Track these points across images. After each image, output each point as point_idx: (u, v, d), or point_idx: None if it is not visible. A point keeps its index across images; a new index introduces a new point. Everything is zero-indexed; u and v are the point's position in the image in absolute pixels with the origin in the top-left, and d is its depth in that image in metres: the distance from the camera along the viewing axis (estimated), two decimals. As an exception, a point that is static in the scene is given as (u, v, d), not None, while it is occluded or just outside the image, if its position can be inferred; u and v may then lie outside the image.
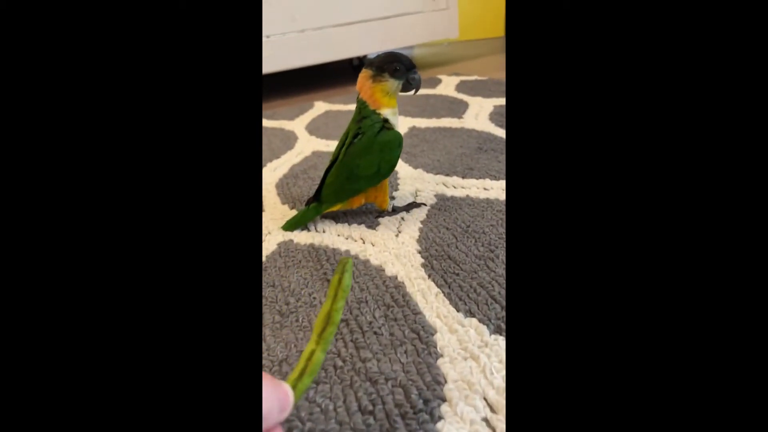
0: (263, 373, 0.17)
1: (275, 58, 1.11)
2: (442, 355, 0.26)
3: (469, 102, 0.85)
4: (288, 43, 1.12)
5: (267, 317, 0.32)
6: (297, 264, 0.38)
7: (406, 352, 0.27)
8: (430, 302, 0.31)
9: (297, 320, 0.31)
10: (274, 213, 0.49)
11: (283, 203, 0.51)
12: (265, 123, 0.91)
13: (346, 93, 1.14)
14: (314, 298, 0.33)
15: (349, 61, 1.44)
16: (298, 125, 0.86)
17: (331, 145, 0.70)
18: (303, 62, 1.15)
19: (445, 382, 0.24)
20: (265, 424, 0.16)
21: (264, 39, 1.09)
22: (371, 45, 1.23)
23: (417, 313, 0.30)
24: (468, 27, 1.54)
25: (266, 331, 0.30)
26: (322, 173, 0.45)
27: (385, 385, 0.24)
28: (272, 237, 0.43)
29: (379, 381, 0.25)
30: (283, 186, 0.56)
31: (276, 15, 1.08)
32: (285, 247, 0.41)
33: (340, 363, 0.27)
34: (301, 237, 0.43)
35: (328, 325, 0.20)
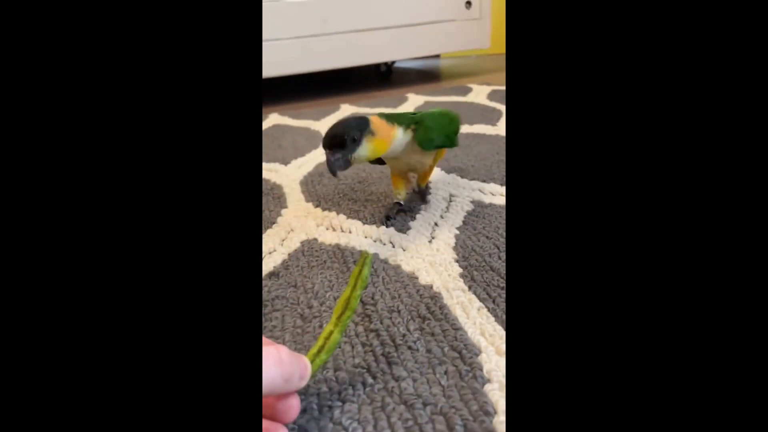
0: (284, 347, 0.20)
1: (303, 59, 1.11)
2: (489, 381, 0.22)
3: (502, 110, 0.82)
4: (317, 45, 1.11)
5: (288, 321, 0.29)
6: (321, 264, 0.35)
7: (446, 373, 0.23)
8: (472, 317, 0.27)
9: (320, 325, 0.28)
10: (298, 210, 0.46)
11: (307, 201, 0.48)
12: (291, 122, 0.89)
13: (372, 98, 1.13)
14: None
15: (376, 66, 1.43)
16: (323, 126, 0.84)
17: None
18: (332, 65, 1.15)
19: (495, 413, 0.20)
20: (286, 386, 0.19)
21: (292, 40, 1.09)
22: (400, 51, 1.21)
23: (457, 328, 0.26)
24: (500, 40, 1.51)
25: (287, 336, 0.27)
26: (343, 173, 0.45)
27: (422, 411, 0.21)
28: (295, 234, 0.41)
29: (416, 405, 0.21)
30: (307, 183, 0.54)
31: (307, 16, 1.08)
32: (309, 246, 0.38)
33: (369, 380, 0.23)
34: (326, 236, 0.40)
35: (346, 309, 0.22)
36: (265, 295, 0.32)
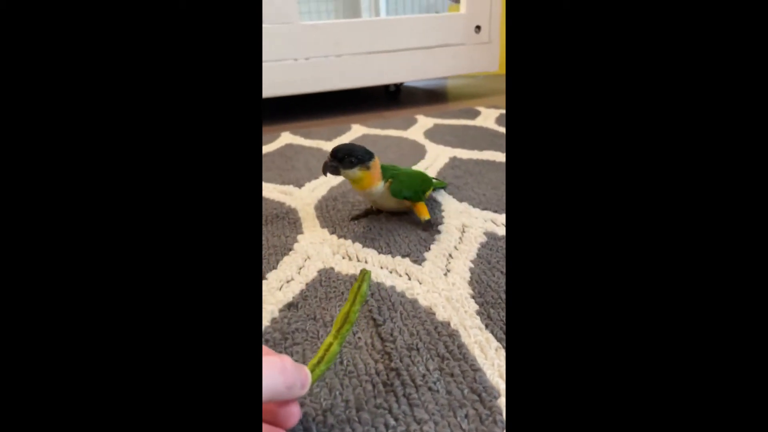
0: (288, 357, 0.21)
1: (317, 79, 1.14)
2: (510, 427, 0.23)
3: (511, 136, 0.83)
4: (328, 65, 1.14)
5: (309, 355, 0.29)
6: (339, 296, 0.36)
7: (467, 416, 0.24)
8: (490, 358, 0.28)
9: (341, 362, 0.28)
10: (313, 236, 0.47)
11: (323, 226, 0.49)
12: (303, 141, 0.91)
13: (382, 118, 1.15)
14: (359, 338, 0.30)
15: (386, 86, 1.46)
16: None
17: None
18: (344, 85, 1.17)
19: (517, 461, 0.21)
20: (288, 393, 0.20)
21: (307, 60, 1.12)
22: (412, 73, 1.24)
23: (476, 369, 0.27)
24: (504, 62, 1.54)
25: (308, 372, 0.28)
26: (359, 197, 0.52)
27: (445, 457, 0.21)
28: (312, 263, 0.41)
29: (439, 451, 0.22)
30: (321, 208, 0.55)
31: (321, 39, 1.11)
32: (326, 276, 0.39)
33: (392, 421, 0.24)
34: (342, 265, 0.40)
35: (345, 323, 0.24)
36: (284, 327, 0.32)
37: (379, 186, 0.47)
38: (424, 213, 0.47)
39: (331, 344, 0.24)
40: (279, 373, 0.20)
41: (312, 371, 0.22)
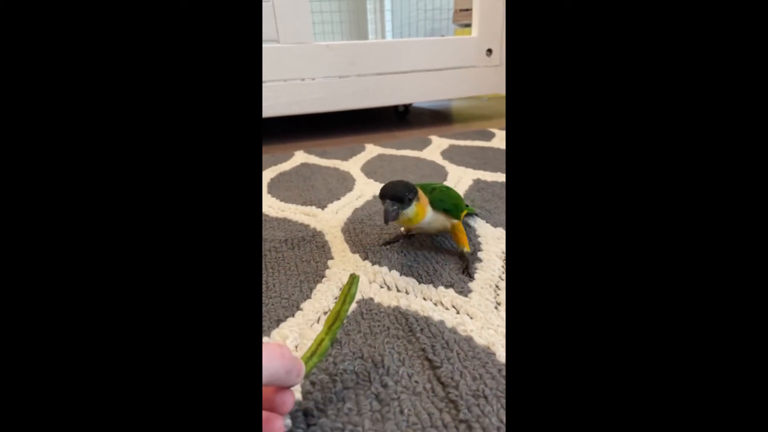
0: (285, 346, 0.22)
1: (332, 98, 1.13)
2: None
3: (532, 159, 0.82)
4: (342, 85, 1.14)
5: (363, 402, 0.26)
6: (385, 331, 0.33)
7: (560, 483, 0.21)
8: (570, 408, 0.25)
9: (401, 411, 0.25)
10: (345, 262, 0.44)
11: (353, 251, 0.47)
12: (319, 161, 0.89)
13: (393, 138, 1.14)
14: (416, 383, 0.27)
15: (395, 106, 1.47)
16: (352, 166, 0.84)
17: (392, 191, 0.67)
18: (359, 105, 1.17)
19: None
20: (286, 378, 0.22)
21: (323, 80, 1.11)
22: (421, 94, 1.24)
23: (557, 422, 0.24)
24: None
25: (366, 423, 0.25)
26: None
27: None
28: (348, 292, 0.39)
29: None
30: (349, 231, 0.52)
31: (335, 59, 1.11)
32: (367, 307, 0.36)
33: (474, 489, 0.20)
34: (382, 296, 0.38)
35: (336, 320, 0.26)
36: (330, 368, 0.29)
37: (429, 213, 0.43)
38: (463, 241, 0.44)
39: (322, 339, 0.26)
40: (278, 358, 0.21)
41: (306, 363, 0.24)
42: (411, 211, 0.40)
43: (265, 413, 0.22)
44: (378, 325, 0.34)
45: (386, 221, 0.38)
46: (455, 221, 0.45)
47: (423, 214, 0.42)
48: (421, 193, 0.42)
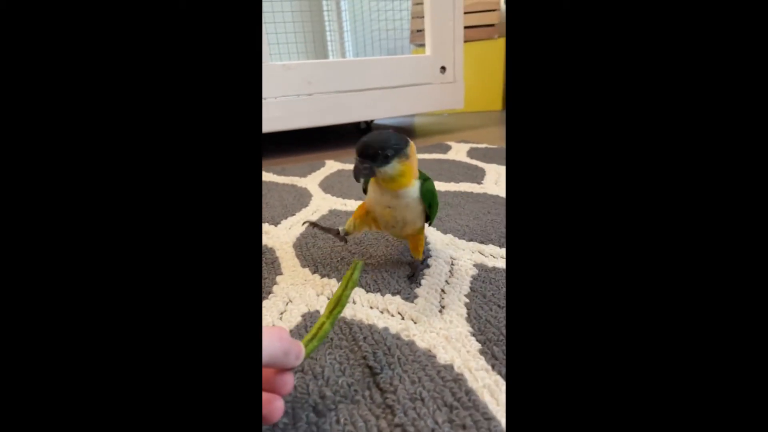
0: (284, 329, 0.23)
1: (290, 117, 1.13)
2: (538, 485, 0.20)
3: (485, 168, 0.85)
4: (301, 104, 1.15)
5: (300, 415, 0.25)
6: (329, 342, 0.32)
7: (488, 477, 0.21)
8: (502, 403, 0.25)
9: (338, 421, 0.25)
10: (294, 277, 0.44)
11: (303, 266, 0.46)
12: (276, 179, 0.88)
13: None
14: (356, 391, 0.27)
15: (357, 124, 1.49)
16: (310, 182, 0.84)
17: (348, 204, 0.68)
18: (317, 123, 1.18)
19: None
20: (285, 360, 0.22)
21: (280, 99, 1.12)
22: (381, 111, 1.27)
23: (489, 418, 0.24)
24: (470, 101, 1.63)
25: (299, 438, 0.24)
26: (341, 233, 0.45)
27: None
28: (295, 306, 0.38)
29: None
30: (301, 246, 0.52)
31: (294, 78, 1.12)
32: (311, 320, 0.36)
33: (404, 492, 0.20)
34: (328, 308, 0.37)
35: (337, 305, 0.27)
36: (268, 384, 0.28)
37: (416, 186, 0.36)
38: (419, 250, 0.42)
39: (323, 323, 0.26)
40: (278, 340, 0.22)
41: (306, 346, 0.25)
42: (392, 169, 0.34)
43: (265, 394, 0.22)
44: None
45: (356, 179, 0.34)
46: (424, 225, 0.41)
47: (409, 178, 0.35)
48: (412, 150, 0.35)
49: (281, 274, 0.45)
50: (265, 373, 0.23)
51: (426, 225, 0.42)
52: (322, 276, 0.43)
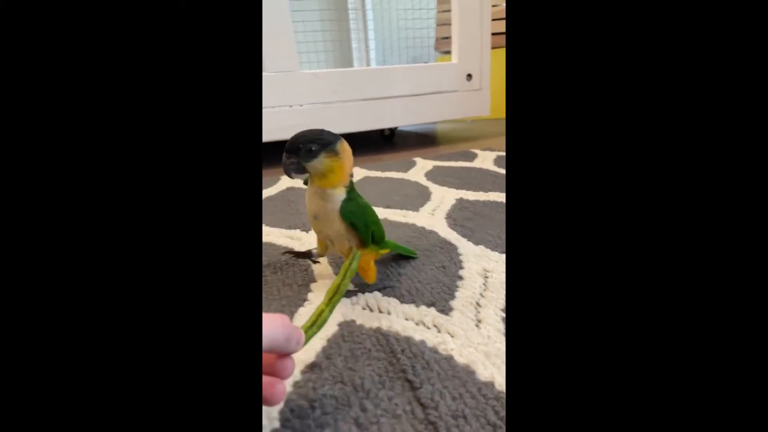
0: (286, 316, 0.24)
1: (314, 124, 1.15)
2: None
3: (513, 178, 0.84)
4: (327, 111, 1.16)
5: (342, 427, 0.26)
6: (366, 353, 0.33)
7: (539, 503, 0.20)
8: (549, 425, 0.25)
9: (380, 436, 0.25)
10: (329, 286, 0.44)
11: (337, 273, 0.47)
12: (302, 185, 0.90)
13: (379, 160, 1.16)
14: (396, 405, 0.27)
15: (381, 131, 1.50)
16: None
17: (378, 213, 0.68)
18: (340, 129, 1.19)
19: None
20: (286, 345, 0.23)
21: (304, 107, 1.14)
22: (407, 118, 1.27)
23: (536, 439, 0.24)
24: (497, 107, 1.62)
25: (344, 450, 0.24)
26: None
27: None
28: (331, 315, 0.38)
29: None
30: (334, 254, 0.52)
31: (321, 86, 1.14)
32: (348, 330, 0.36)
33: None
34: (364, 318, 0.38)
35: (336, 294, 0.28)
36: (310, 393, 0.29)
37: (340, 192, 0.37)
38: (370, 272, 0.39)
39: (323, 311, 0.27)
40: (280, 326, 0.23)
41: (305, 332, 0.26)
42: (320, 164, 0.34)
43: (266, 378, 0.23)
44: (359, 348, 0.33)
45: (288, 176, 0.35)
46: (359, 248, 0.38)
47: (339, 177, 0.36)
48: (344, 148, 0.35)
49: (315, 281, 0.45)
50: (268, 357, 0.24)
51: (378, 249, 0.42)
52: (355, 285, 0.44)
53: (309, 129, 0.35)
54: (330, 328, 0.36)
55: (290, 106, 1.12)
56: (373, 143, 1.45)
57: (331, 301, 0.28)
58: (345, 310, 0.39)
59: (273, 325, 0.22)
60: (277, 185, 0.91)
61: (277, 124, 1.11)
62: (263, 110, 1.09)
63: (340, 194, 0.38)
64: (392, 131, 1.51)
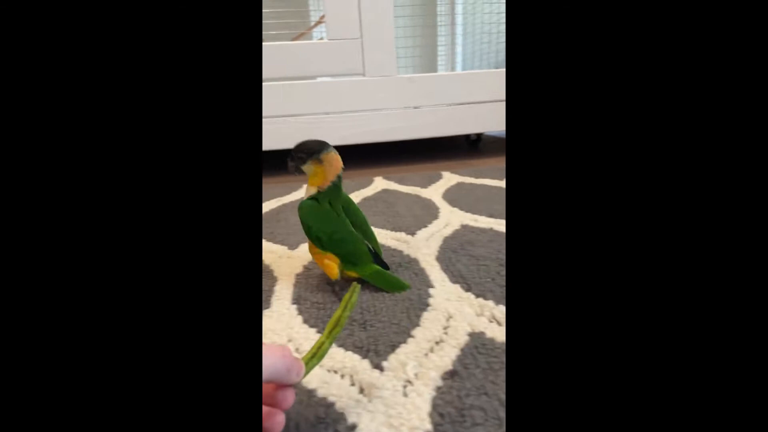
0: (287, 347, 0.25)
1: (407, 127, 1.17)
2: None
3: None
4: (420, 115, 1.17)
5: (499, 444, 0.25)
6: (504, 367, 0.32)
7: None
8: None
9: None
10: (447, 292, 0.44)
11: (453, 281, 0.46)
12: (398, 187, 0.92)
13: (467, 165, 1.14)
14: None
15: (467, 135, 1.47)
16: (434, 194, 0.85)
17: (479, 220, 0.67)
18: (433, 134, 1.20)
19: None
20: (287, 376, 0.23)
21: (395, 111, 1.16)
22: (493, 123, 1.24)
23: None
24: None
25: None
26: (481, 250, 0.52)
27: None
28: (458, 324, 0.38)
29: None
30: (445, 260, 0.52)
31: (415, 90, 1.15)
32: (480, 342, 0.35)
33: None
34: (494, 331, 0.37)
35: (336, 326, 0.28)
36: (456, 401, 0.29)
37: (313, 191, 0.45)
38: (331, 270, 0.44)
39: (323, 343, 0.27)
40: (281, 357, 0.23)
41: (306, 364, 0.26)
42: (308, 168, 0.45)
43: (266, 408, 0.23)
44: (496, 362, 0.33)
45: (290, 173, 0.46)
46: (345, 270, 0.46)
47: (318, 180, 0.45)
48: (329, 158, 0.44)
49: (433, 287, 0.46)
50: (268, 388, 0.24)
51: (343, 265, 0.45)
52: (477, 296, 0.43)
53: (311, 139, 0.45)
54: (460, 338, 0.36)
55: (388, 110, 1.15)
56: (459, 148, 1.43)
57: (331, 334, 0.28)
58: (471, 320, 0.38)
59: (273, 356, 0.22)
60: (371, 186, 0.94)
61: (372, 126, 1.15)
62: (359, 114, 1.13)
63: (311, 192, 0.46)
64: (478, 136, 1.48)
